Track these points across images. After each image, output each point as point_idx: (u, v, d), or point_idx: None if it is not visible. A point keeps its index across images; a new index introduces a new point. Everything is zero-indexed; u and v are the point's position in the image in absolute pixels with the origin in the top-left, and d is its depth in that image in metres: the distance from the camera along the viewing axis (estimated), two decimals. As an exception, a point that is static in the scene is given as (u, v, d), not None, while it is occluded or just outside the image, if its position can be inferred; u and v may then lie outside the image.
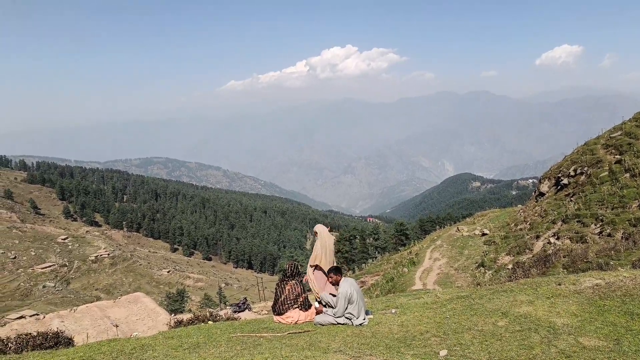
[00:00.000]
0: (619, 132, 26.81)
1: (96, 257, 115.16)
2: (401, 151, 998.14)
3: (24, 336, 10.96)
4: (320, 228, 10.81)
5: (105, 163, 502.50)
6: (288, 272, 9.86)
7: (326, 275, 10.11)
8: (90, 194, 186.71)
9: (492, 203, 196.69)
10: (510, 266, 24.51)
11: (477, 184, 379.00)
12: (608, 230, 19.31)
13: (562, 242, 21.41)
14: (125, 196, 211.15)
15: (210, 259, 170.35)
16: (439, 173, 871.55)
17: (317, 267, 10.23)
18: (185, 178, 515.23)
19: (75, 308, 18.95)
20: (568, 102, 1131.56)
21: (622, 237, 18.30)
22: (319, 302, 9.68)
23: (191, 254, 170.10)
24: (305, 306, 9.60)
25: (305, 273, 10.44)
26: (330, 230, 10.92)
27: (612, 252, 17.14)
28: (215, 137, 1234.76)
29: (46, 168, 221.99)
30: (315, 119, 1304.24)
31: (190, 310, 56.65)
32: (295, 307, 9.50)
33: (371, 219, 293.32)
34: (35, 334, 11.19)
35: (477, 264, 29.33)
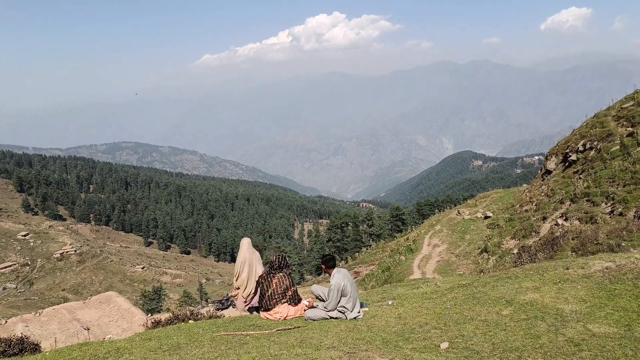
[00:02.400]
0: (631, 102, 27.02)
1: (61, 254, 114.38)
2: (396, 129, 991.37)
3: (-16, 343, 10.85)
4: (242, 242, 11.31)
5: (68, 150, 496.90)
6: (275, 264, 9.96)
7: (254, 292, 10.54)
8: (52, 184, 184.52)
9: (495, 183, 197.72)
10: (515, 251, 24.91)
11: (479, 162, 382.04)
12: (620, 209, 19.58)
13: (570, 223, 21.70)
14: (91, 186, 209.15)
15: (188, 253, 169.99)
16: (437, 152, 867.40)
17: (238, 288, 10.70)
18: (157, 164, 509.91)
19: (40, 311, 18.94)
20: (578, 69, 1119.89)
21: (634, 216, 18.56)
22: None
23: (167, 248, 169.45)
24: (295, 300, 9.70)
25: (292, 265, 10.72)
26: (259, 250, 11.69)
27: (624, 232, 17.37)
28: (190, 119, 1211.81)
29: (1, 157, 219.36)
30: (301, 96, 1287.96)
31: (168, 309, 56.73)
32: (284, 302, 9.60)
33: (364, 204, 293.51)
34: (-3, 340, 11.10)
35: (479, 250, 29.78)
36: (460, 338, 7.38)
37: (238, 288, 11.57)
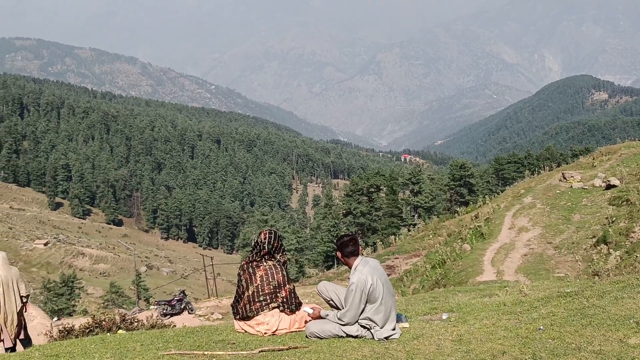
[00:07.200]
0: None
1: None
2: (467, 34, 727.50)
3: None
4: None
5: None
6: (262, 247, 6.96)
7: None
8: None
9: (629, 130, 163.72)
10: (654, 243, 19.32)
11: (603, 95, 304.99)
12: None
13: None
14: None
15: (120, 224, 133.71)
16: (534, 75, 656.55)
17: None
18: (72, 77, 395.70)
19: None
20: None
21: None
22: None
23: (86, 214, 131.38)
24: (291, 306, 6.93)
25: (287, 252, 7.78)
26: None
27: None
28: (127, 6, 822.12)
29: None
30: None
31: (86, 312, 43.99)
32: (274, 307, 6.89)
33: (408, 157, 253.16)
34: None
35: (595, 239, 23.31)
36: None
37: None
